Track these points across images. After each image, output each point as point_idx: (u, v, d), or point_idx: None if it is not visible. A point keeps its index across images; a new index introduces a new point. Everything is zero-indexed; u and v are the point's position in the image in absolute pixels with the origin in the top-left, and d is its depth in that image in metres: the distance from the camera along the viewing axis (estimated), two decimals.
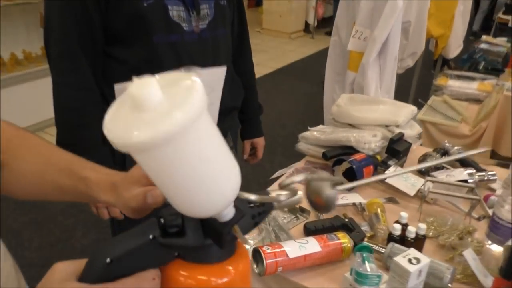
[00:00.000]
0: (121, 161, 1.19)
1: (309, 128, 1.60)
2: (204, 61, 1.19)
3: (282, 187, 0.48)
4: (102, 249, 0.41)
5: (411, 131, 1.57)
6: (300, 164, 1.56)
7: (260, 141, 1.60)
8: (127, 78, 0.41)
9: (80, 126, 1.16)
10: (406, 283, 0.89)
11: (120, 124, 0.34)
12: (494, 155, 2.52)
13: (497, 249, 1.12)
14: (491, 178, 1.39)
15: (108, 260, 0.39)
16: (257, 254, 0.99)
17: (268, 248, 0.98)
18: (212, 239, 0.42)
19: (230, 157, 0.40)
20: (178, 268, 0.42)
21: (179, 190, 0.39)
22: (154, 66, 1.12)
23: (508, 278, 0.94)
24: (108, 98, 1.16)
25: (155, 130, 0.32)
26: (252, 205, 0.47)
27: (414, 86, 3.47)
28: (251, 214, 0.47)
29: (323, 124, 1.91)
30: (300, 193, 0.49)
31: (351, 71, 2.01)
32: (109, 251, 0.40)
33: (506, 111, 2.41)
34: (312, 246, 1.02)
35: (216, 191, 0.39)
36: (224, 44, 1.28)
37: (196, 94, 0.33)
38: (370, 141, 1.43)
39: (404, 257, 0.91)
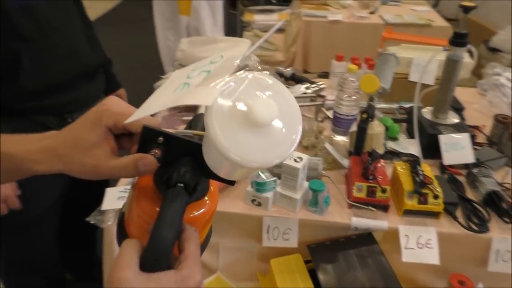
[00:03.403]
0: None
1: (161, 77, 1.63)
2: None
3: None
4: (160, 233, 0.43)
5: (251, 62, 1.76)
6: (164, 112, 1.58)
7: (121, 94, 1.60)
8: None
9: None
10: (296, 178, 1.09)
11: (244, 146, 0.41)
12: (305, 73, 2.98)
13: (342, 139, 1.43)
14: (321, 87, 1.70)
15: (169, 243, 0.43)
16: None
17: None
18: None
19: None
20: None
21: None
22: None
23: (358, 153, 1.24)
24: None
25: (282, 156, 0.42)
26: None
27: (224, 26, 3.69)
28: None
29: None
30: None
31: (183, 15, 2.06)
32: (167, 235, 0.43)
33: (307, 34, 2.84)
34: None
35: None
36: None
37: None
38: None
39: (290, 159, 1.11)
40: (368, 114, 1.21)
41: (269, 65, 2.92)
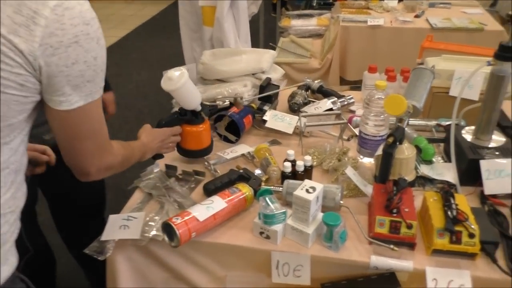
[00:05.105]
0: None
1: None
2: None
3: None
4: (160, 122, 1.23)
5: (276, 74, 1.67)
6: None
7: (108, 96, 1.59)
8: None
9: None
10: (308, 211, 0.98)
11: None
12: (342, 81, 2.83)
13: (368, 161, 1.30)
14: (350, 101, 1.57)
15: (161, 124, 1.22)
16: (167, 228, 0.98)
17: (177, 219, 0.98)
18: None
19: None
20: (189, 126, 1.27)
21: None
22: None
23: (383, 181, 1.11)
24: None
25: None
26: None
27: (262, 31, 3.63)
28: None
29: None
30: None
31: (207, 26, 2.01)
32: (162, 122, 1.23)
33: (345, 40, 2.70)
34: (217, 204, 1.05)
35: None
36: None
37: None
38: (243, 92, 1.48)
39: (301, 189, 1.00)
40: (395, 138, 1.07)
41: (303, 73, 2.82)
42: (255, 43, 3.81)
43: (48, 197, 1.58)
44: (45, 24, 0.67)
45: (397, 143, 1.09)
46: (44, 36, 0.67)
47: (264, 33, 3.80)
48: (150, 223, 1.09)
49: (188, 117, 1.25)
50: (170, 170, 1.29)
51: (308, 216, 0.99)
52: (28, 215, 1.49)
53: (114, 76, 4.11)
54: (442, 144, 1.36)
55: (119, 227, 1.06)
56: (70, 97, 0.74)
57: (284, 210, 1.02)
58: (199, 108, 1.24)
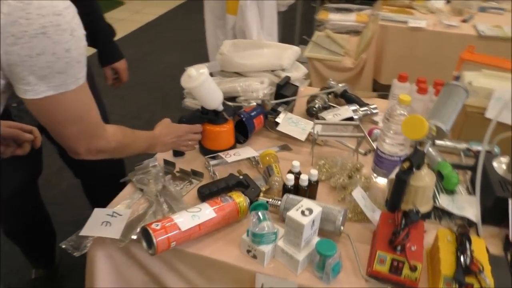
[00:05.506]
0: None
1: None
2: None
3: None
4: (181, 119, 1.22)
5: (297, 73, 1.55)
6: None
7: (121, 65, 1.55)
8: None
9: None
10: (301, 235, 0.88)
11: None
12: (375, 84, 2.67)
13: (382, 182, 1.18)
14: (374, 111, 1.44)
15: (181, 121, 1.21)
16: (146, 233, 0.90)
17: (157, 225, 0.90)
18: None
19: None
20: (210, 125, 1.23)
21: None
22: None
23: (392, 210, 0.99)
24: None
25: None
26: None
27: (298, 23, 3.47)
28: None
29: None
30: None
31: (230, 14, 1.90)
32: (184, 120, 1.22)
33: (382, 41, 2.53)
34: (205, 212, 0.96)
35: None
36: None
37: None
38: (258, 89, 1.38)
39: (297, 209, 0.90)
40: (411, 163, 0.95)
41: (335, 72, 2.67)
42: (290, 35, 3.67)
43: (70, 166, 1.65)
44: (8, 11, 0.62)
45: (414, 169, 0.96)
46: (6, 24, 0.62)
47: (301, 24, 3.64)
48: (135, 223, 1.02)
49: (210, 116, 1.21)
50: (168, 166, 1.21)
51: (301, 240, 0.89)
52: (29, 186, 1.50)
53: (146, 54, 4.08)
54: (469, 172, 1.22)
55: (101, 223, 1.00)
56: (36, 86, 0.68)
57: (275, 230, 0.92)
58: (220, 108, 1.20)
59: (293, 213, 0.89)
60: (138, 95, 3.34)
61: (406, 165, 0.95)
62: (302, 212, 0.89)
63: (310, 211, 0.90)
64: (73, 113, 0.78)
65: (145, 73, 3.69)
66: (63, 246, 0.97)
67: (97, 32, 1.46)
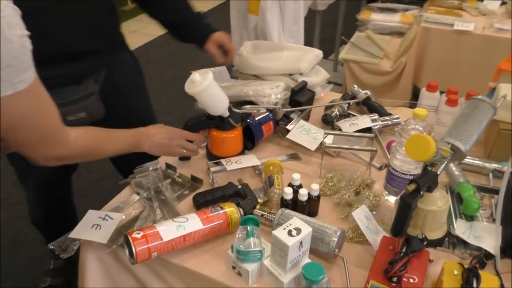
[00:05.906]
0: None
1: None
2: None
3: None
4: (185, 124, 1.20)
5: (317, 78, 1.47)
6: None
7: (221, 35, 1.45)
8: None
9: None
10: (286, 257, 0.82)
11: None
12: (415, 89, 2.51)
13: (393, 201, 1.08)
14: (395, 121, 1.33)
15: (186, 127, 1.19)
16: (127, 241, 0.87)
17: (139, 233, 0.87)
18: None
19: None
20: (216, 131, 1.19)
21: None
22: None
23: (395, 235, 0.90)
24: None
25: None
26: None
27: (340, 22, 3.34)
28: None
29: None
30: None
31: (252, 14, 1.84)
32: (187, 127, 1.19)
33: (424, 44, 2.37)
34: (192, 223, 0.92)
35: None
36: None
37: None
38: (270, 94, 1.32)
39: (284, 228, 0.83)
40: (418, 186, 0.85)
41: (372, 75, 2.54)
42: (330, 34, 3.53)
43: None
44: None
45: (421, 193, 0.87)
46: None
47: (344, 24, 3.50)
48: (125, 227, 1.00)
49: (216, 121, 1.17)
50: (169, 170, 1.19)
51: (286, 262, 0.82)
52: (61, 177, 1.52)
53: (184, 51, 4.07)
54: (496, 197, 1.09)
55: (92, 226, 0.99)
56: None
57: (260, 249, 0.86)
58: (226, 114, 1.15)
59: (279, 232, 0.82)
60: (173, 91, 3.37)
61: (411, 187, 0.85)
62: (289, 232, 0.82)
63: (299, 231, 0.83)
64: (20, 118, 0.72)
65: (182, 69, 3.72)
66: (51, 247, 0.97)
67: (187, 16, 1.44)
